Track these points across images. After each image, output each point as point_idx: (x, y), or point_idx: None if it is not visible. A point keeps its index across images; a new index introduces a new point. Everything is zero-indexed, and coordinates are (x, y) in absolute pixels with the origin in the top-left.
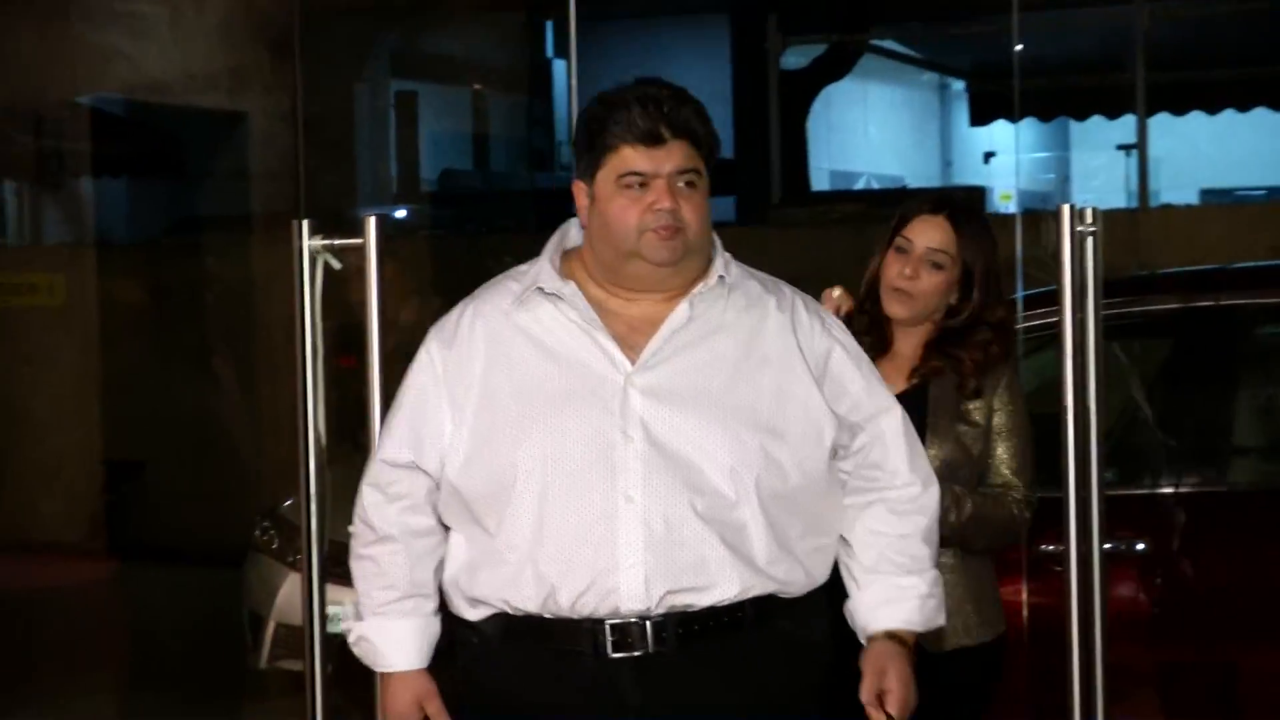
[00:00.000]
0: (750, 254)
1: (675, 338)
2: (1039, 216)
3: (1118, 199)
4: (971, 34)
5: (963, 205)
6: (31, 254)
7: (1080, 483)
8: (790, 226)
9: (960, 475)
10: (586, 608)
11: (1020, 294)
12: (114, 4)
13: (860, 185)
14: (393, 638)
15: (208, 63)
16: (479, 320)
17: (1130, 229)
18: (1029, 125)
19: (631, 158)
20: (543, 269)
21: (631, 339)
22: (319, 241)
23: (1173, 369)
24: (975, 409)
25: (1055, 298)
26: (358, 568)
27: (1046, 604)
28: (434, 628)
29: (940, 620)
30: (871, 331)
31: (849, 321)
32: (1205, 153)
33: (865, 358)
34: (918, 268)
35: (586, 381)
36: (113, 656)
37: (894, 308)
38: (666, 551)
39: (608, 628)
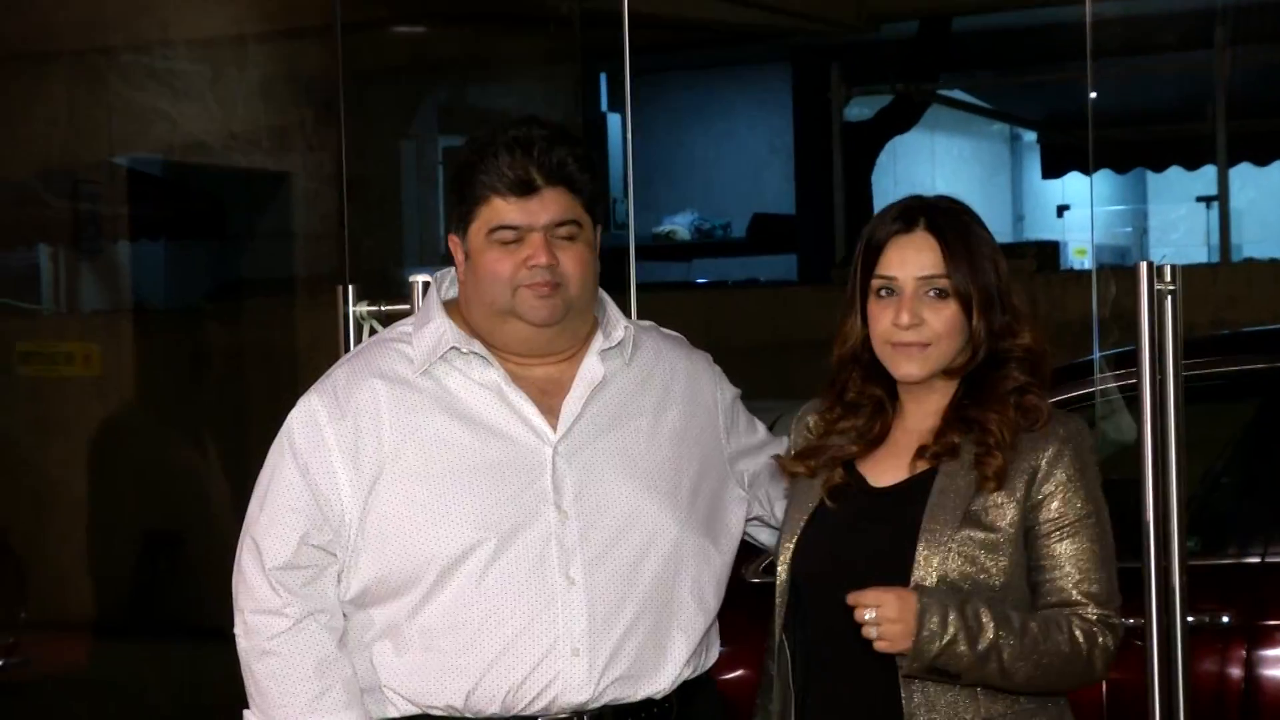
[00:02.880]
0: (814, 315)
1: (594, 400)
2: (1115, 273)
3: (1198, 253)
4: (1043, 83)
5: (936, 202)
6: (68, 322)
7: (1161, 552)
8: None
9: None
10: (520, 703)
11: (1096, 354)
12: (152, 62)
13: None
14: None
15: (249, 122)
16: (377, 386)
17: (1211, 284)
18: (1104, 177)
19: (502, 210)
20: (445, 326)
21: (545, 403)
22: (364, 307)
23: (1258, 432)
24: (996, 505)
25: (1134, 359)
26: (262, 666)
27: (1126, 680)
28: None
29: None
30: (874, 412)
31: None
32: None
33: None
34: (915, 308)
35: (512, 453)
36: None
37: (905, 368)
38: (610, 636)
39: None
